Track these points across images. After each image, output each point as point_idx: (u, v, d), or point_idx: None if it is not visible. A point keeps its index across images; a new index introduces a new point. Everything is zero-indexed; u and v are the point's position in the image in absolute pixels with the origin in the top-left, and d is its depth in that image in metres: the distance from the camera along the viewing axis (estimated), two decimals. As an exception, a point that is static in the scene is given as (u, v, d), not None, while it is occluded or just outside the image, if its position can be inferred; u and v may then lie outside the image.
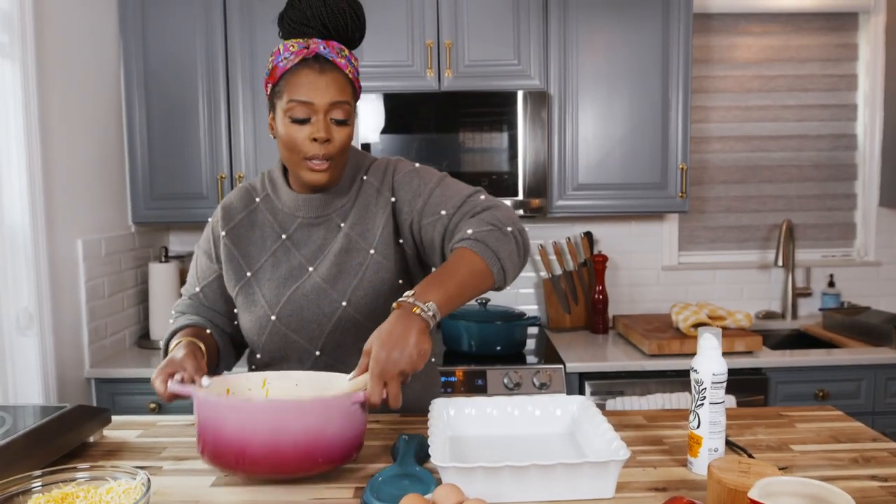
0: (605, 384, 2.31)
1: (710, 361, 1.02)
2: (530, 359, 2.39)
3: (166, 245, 2.85)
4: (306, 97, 1.19)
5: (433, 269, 1.25)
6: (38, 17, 2.03)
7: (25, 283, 1.99)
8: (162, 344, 1.35)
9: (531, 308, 2.95)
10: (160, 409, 2.29)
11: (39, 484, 0.88)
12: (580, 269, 2.85)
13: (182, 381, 1.09)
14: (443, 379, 2.27)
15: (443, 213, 1.24)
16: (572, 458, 1.07)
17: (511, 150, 2.45)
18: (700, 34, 2.89)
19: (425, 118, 2.44)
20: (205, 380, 1.10)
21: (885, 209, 2.96)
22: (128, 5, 2.47)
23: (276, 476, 0.99)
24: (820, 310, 2.87)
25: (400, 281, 1.30)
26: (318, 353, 1.30)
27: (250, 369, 1.39)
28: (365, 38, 1.34)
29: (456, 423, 1.20)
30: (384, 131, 2.44)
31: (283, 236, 1.31)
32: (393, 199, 1.30)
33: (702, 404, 1.03)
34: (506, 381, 2.27)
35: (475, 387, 2.27)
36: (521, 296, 2.93)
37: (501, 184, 2.45)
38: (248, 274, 1.31)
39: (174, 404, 2.28)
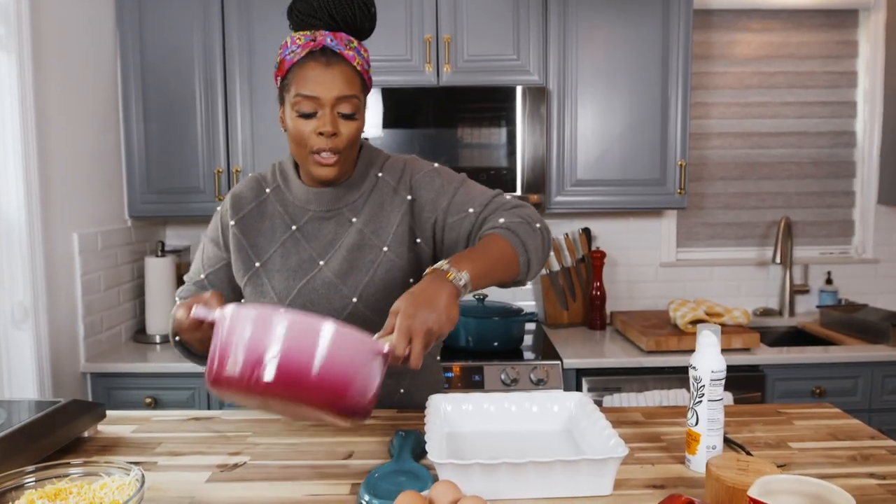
0: (603, 380, 2.31)
1: (708, 358, 1.02)
2: (527, 355, 2.39)
3: (163, 239, 2.84)
4: (312, 91, 1.18)
5: None
6: (34, 9, 2.01)
7: (20, 276, 1.98)
8: (170, 327, 1.30)
9: (529, 304, 2.95)
10: (156, 404, 2.29)
11: (32, 479, 0.88)
12: (578, 265, 2.85)
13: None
14: (440, 375, 2.27)
15: (470, 210, 1.26)
16: (570, 456, 1.07)
17: (509, 145, 2.44)
18: (700, 30, 2.88)
19: (424, 113, 2.43)
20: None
21: (884, 207, 2.96)
22: (124, -3, 2.46)
23: (283, 403, 0.92)
24: (817, 307, 2.87)
25: (411, 280, 1.30)
26: None
27: None
28: (363, 33, 1.32)
29: (453, 419, 1.19)
30: (382, 126, 2.43)
31: (294, 227, 1.29)
32: (409, 198, 1.29)
33: (700, 401, 1.02)
34: (503, 377, 2.26)
35: (472, 382, 2.26)
36: (519, 292, 2.93)
37: (499, 179, 2.45)
38: (257, 264, 1.30)
39: (170, 398, 2.27)
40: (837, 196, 3.01)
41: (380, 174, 1.32)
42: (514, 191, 2.46)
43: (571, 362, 2.31)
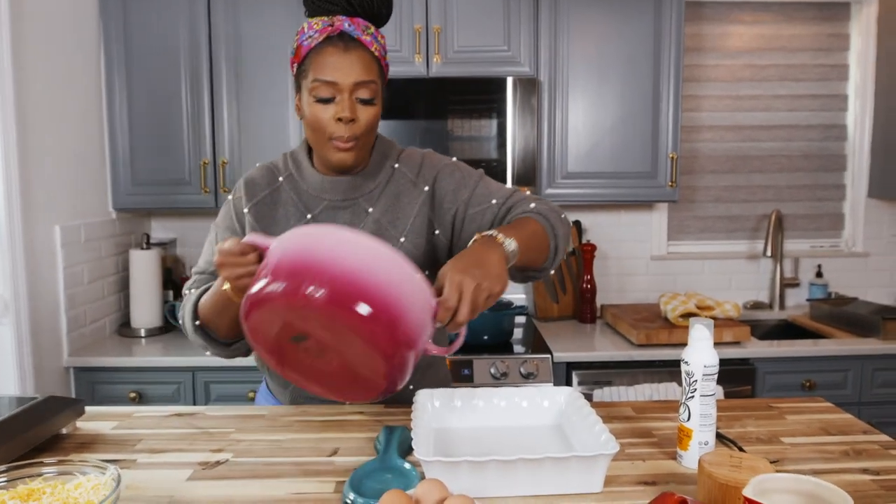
0: (593, 374, 2.29)
1: (701, 353, 1.00)
2: (517, 348, 2.37)
3: (148, 232, 2.79)
4: (331, 76, 1.16)
5: None
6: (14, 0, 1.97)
7: (0, 269, 1.94)
8: (185, 315, 1.24)
9: (519, 297, 2.93)
10: (141, 399, 2.25)
11: (4, 479, 0.85)
12: (569, 258, 2.83)
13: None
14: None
15: (493, 201, 1.27)
16: (560, 452, 1.05)
17: (500, 137, 2.42)
18: (692, 22, 2.86)
19: (413, 104, 2.40)
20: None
21: (874, 200, 2.95)
22: (108, -15, 2.41)
23: (326, 331, 0.87)
24: (807, 300, 2.87)
25: (426, 272, 1.28)
26: None
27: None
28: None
29: (441, 414, 1.17)
30: (371, 117, 2.39)
31: (308, 216, 1.27)
32: (427, 189, 1.28)
33: (692, 396, 1.00)
34: (493, 370, 2.24)
35: (462, 376, 2.24)
36: (509, 285, 2.91)
37: (490, 171, 2.42)
38: None
39: (155, 392, 2.24)
40: (828, 189, 3.00)
41: (396, 165, 1.31)
42: (505, 183, 2.44)
43: (562, 356, 2.29)
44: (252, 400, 2.26)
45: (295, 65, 1.22)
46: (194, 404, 2.27)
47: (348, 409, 1.28)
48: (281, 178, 1.30)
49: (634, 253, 2.93)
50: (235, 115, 2.45)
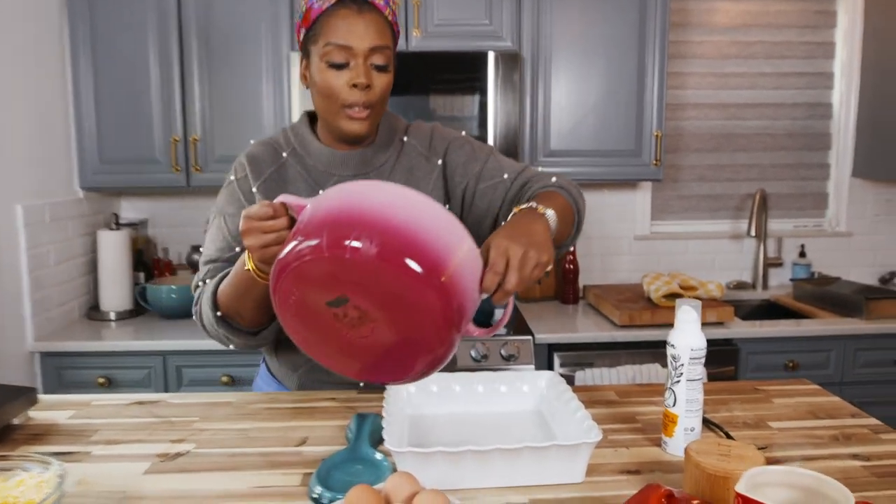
0: (575, 356, 2.25)
1: (688, 335, 0.95)
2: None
3: (118, 212, 2.70)
4: (345, 40, 1.09)
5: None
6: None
7: (-42, 251, 1.85)
8: (204, 307, 1.14)
9: (501, 278, 2.87)
10: (110, 385, 2.18)
11: (-61, 476, 0.78)
12: (551, 238, 2.78)
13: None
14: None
15: (505, 176, 1.23)
16: (540, 440, 1.00)
17: (481, 114, 2.35)
18: (677, -4, 2.79)
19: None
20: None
21: (858, 180, 2.93)
22: (70, -48, 2.30)
23: (368, 292, 0.79)
24: (791, 280, 2.85)
25: None
26: None
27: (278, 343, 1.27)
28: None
29: (416, 400, 1.12)
30: (347, 93, 2.31)
31: (321, 192, 1.18)
32: (440, 163, 1.24)
33: (678, 381, 0.96)
34: (473, 353, 2.20)
35: (442, 359, 2.19)
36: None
37: (470, 149, 2.35)
38: None
39: (125, 377, 2.17)
40: (812, 168, 2.97)
41: (405, 138, 1.25)
42: (486, 161, 2.37)
43: (543, 337, 2.25)
44: (226, 384, 2.20)
45: (303, 29, 1.14)
46: (165, 389, 2.20)
47: (319, 396, 1.22)
48: (285, 154, 1.22)
49: (617, 233, 2.88)
50: (207, 90, 2.36)
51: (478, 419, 1.09)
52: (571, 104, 2.46)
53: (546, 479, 0.89)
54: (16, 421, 1.09)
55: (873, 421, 1.11)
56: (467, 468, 0.87)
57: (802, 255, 2.91)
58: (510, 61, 2.33)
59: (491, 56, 2.32)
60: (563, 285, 2.69)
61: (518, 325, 2.36)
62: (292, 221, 0.91)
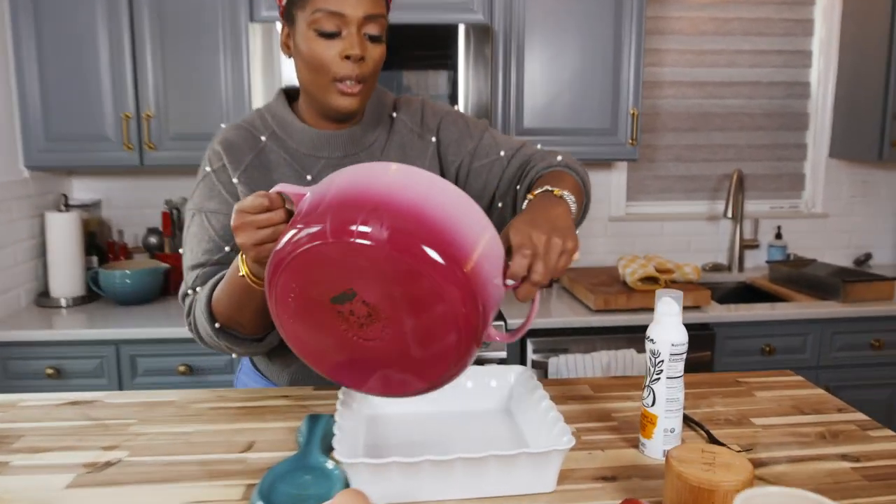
0: (549, 341, 2.18)
1: (668, 330, 0.87)
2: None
3: (67, 192, 2.55)
4: (336, 7, 0.98)
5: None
6: None
7: None
8: (198, 318, 1.03)
9: (473, 261, 2.79)
10: (59, 375, 2.06)
11: None
12: (525, 220, 2.69)
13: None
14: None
15: (501, 153, 1.15)
16: (508, 444, 0.92)
17: (451, 90, 2.24)
18: (654, -31, 2.70)
19: (357, 53, 2.20)
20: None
21: (835, 160, 2.89)
22: (8, -87, 2.13)
23: (377, 279, 0.69)
24: (766, 262, 2.80)
25: None
26: None
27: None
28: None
29: (375, 399, 1.03)
30: (311, 67, 2.19)
31: (309, 177, 1.09)
32: (434, 140, 1.16)
33: (658, 379, 0.88)
34: (443, 340, 2.11)
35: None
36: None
37: (440, 127, 2.25)
38: None
39: (75, 368, 2.05)
40: (789, 149, 2.92)
41: (394, 114, 1.15)
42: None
43: (515, 322, 2.17)
44: (183, 374, 2.10)
45: None
46: (119, 380, 2.09)
47: (271, 394, 1.13)
48: (264, 138, 1.10)
49: (592, 214, 2.81)
50: (160, 62, 2.22)
51: (442, 418, 1.01)
52: (545, 80, 2.36)
53: (514, 490, 0.81)
54: (-71, 426, 0.98)
55: (860, 416, 1.04)
56: (426, 480, 0.78)
57: (779, 236, 2.87)
58: (481, 35, 2.22)
59: (461, 29, 2.22)
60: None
61: (490, 311, 2.28)
62: (290, 215, 0.81)
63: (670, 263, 2.42)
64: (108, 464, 0.89)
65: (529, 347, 2.18)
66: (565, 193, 0.90)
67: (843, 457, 0.91)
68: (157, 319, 2.13)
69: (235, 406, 1.08)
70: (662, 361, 0.87)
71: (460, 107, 2.25)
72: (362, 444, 0.92)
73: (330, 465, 0.84)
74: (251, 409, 1.07)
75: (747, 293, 2.72)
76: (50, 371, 2.05)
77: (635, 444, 0.94)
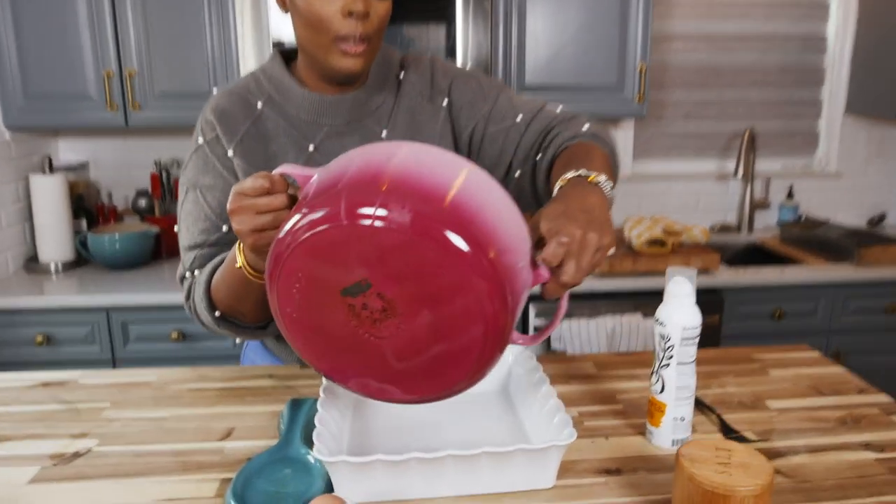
0: (552, 306, 2.12)
1: (680, 312, 0.80)
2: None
3: (51, 154, 2.46)
4: None
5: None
6: None
7: None
8: (198, 306, 0.96)
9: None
10: (48, 342, 2.01)
11: None
12: (527, 180, 2.60)
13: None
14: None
15: (518, 118, 1.03)
16: (504, 434, 0.85)
17: (449, 44, 2.13)
18: (666, -87, 2.55)
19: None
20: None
21: (851, 117, 2.77)
22: None
23: (390, 264, 0.62)
24: (777, 223, 2.71)
25: None
26: None
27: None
28: None
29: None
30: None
31: (311, 147, 1.00)
32: (445, 104, 1.06)
33: (667, 364, 0.81)
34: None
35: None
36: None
37: (439, 84, 2.14)
38: None
39: (65, 335, 2.00)
40: (803, 105, 2.80)
41: (401, 75, 1.05)
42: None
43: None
44: (176, 341, 2.04)
45: None
46: (111, 347, 2.03)
47: (254, 373, 1.06)
48: (260, 104, 1.01)
49: (598, 174, 2.71)
50: (142, 17, 2.10)
51: (434, 404, 0.94)
52: (548, 34, 2.24)
53: (510, 486, 0.74)
54: None
55: (883, 398, 0.98)
56: (414, 478, 0.72)
57: (790, 196, 2.77)
58: (482, -15, 2.10)
59: (461, -21, 2.09)
60: (540, 231, 2.53)
61: (491, 275, 2.21)
62: (293, 201, 0.73)
63: (678, 225, 2.33)
64: (77, 454, 0.83)
65: (532, 312, 2.12)
66: (601, 179, 0.80)
67: (866, 446, 0.85)
68: (148, 285, 2.07)
69: (216, 387, 1.02)
70: (673, 346, 0.80)
71: (458, 63, 2.13)
72: (348, 430, 0.86)
73: (311, 457, 0.78)
74: (232, 391, 1.00)
75: (757, 255, 2.64)
76: (40, 339, 2.00)
77: (642, 431, 0.88)
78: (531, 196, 1.05)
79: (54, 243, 2.23)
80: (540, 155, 1.01)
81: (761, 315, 2.22)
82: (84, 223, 2.38)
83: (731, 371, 1.07)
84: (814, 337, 2.25)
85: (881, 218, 2.80)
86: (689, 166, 2.79)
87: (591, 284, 2.12)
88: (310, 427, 0.85)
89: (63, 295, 2.00)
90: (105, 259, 2.20)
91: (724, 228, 2.75)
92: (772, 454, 0.82)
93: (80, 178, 2.46)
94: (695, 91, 2.73)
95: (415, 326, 0.65)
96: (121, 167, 2.51)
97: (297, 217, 0.63)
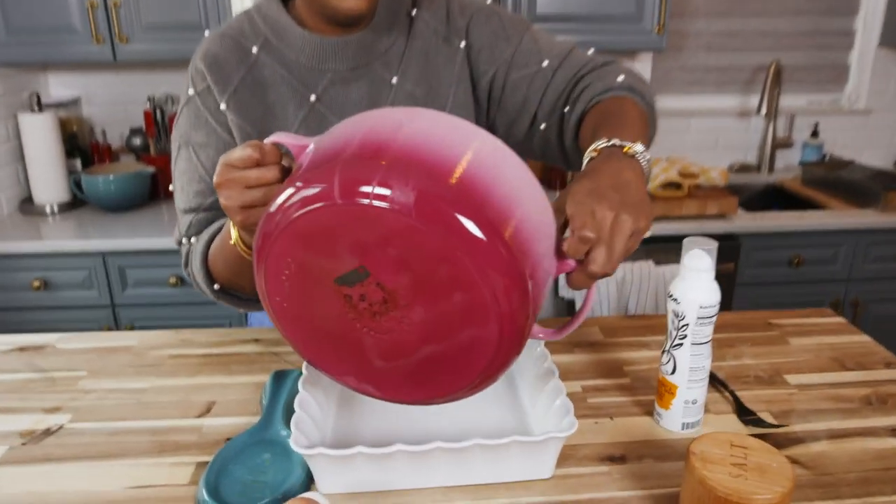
0: (560, 254, 2.04)
1: (697, 289, 0.72)
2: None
3: (40, 90, 2.36)
4: None
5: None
6: None
7: None
8: (196, 276, 0.90)
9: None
10: (46, 287, 1.97)
11: None
12: (538, 118, 2.48)
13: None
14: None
15: (545, 63, 0.92)
16: (500, 419, 0.79)
17: (456, -29, 1.98)
18: None
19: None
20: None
21: (885, 49, 2.59)
22: None
23: (393, 241, 0.53)
24: (799, 163, 2.59)
25: None
26: None
27: None
28: None
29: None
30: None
31: (313, 97, 0.91)
32: (463, 45, 0.94)
33: (680, 344, 0.74)
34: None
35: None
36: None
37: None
38: None
39: (62, 279, 1.96)
40: (834, 36, 2.62)
41: (413, 12, 0.94)
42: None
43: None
44: (174, 286, 2.00)
45: None
46: (109, 291, 2.00)
47: (239, 337, 1.01)
48: (255, 49, 0.90)
49: (612, 111, 2.58)
50: (127, -59, 1.96)
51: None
52: (564, -41, 2.08)
53: (504, 477, 0.69)
54: None
55: (911, 372, 0.91)
56: (401, 469, 0.67)
57: (815, 134, 2.64)
58: None
59: None
60: (547, 168, 2.43)
61: (498, 219, 2.13)
62: (287, 174, 0.64)
63: (695, 167, 2.22)
64: (48, 431, 0.79)
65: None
66: (638, 149, 0.68)
67: (893, 431, 0.78)
68: (145, 229, 2.01)
69: (199, 353, 0.96)
70: (687, 325, 0.73)
71: (467, -9, 1.98)
72: (333, 413, 0.80)
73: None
74: (216, 358, 0.95)
75: (777, 196, 2.53)
76: (37, 284, 1.96)
77: (650, 410, 0.82)
78: (558, 151, 0.94)
79: (48, 184, 2.16)
80: (568, 108, 0.90)
81: (779, 261, 2.13)
82: (79, 163, 2.30)
83: (748, 339, 1.00)
84: (832, 285, 2.17)
85: (910, 158, 2.67)
86: (710, 102, 2.65)
87: (602, 229, 2.03)
88: (292, 404, 0.79)
89: (59, 240, 1.95)
90: (100, 200, 2.13)
91: (744, 168, 2.63)
92: (790, 441, 0.76)
93: (73, 115, 2.36)
94: (717, 21, 2.56)
95: (419, 322, 0.57)
96: (115, 104, 2.41)
97: (289, 191, 0.55)
